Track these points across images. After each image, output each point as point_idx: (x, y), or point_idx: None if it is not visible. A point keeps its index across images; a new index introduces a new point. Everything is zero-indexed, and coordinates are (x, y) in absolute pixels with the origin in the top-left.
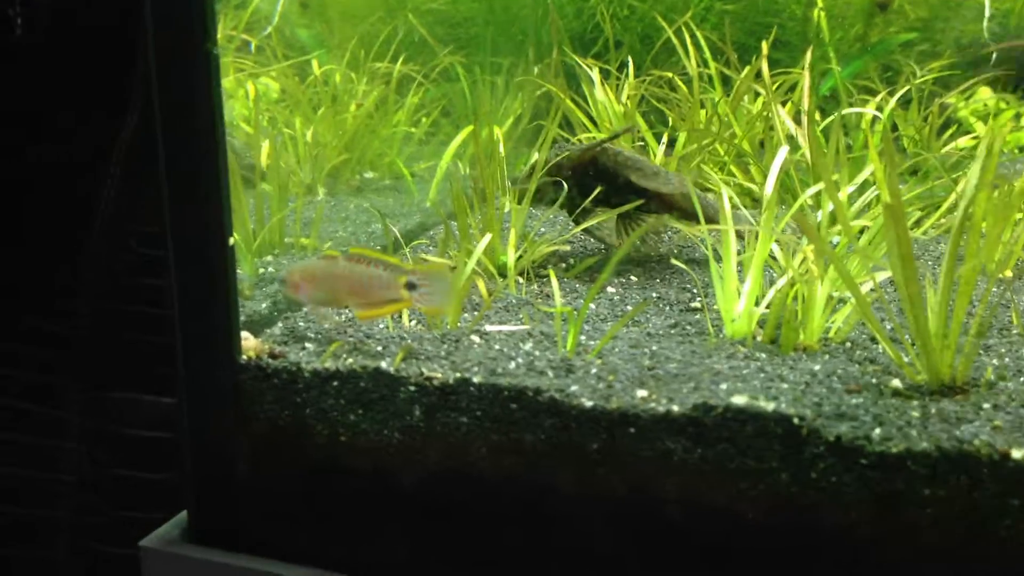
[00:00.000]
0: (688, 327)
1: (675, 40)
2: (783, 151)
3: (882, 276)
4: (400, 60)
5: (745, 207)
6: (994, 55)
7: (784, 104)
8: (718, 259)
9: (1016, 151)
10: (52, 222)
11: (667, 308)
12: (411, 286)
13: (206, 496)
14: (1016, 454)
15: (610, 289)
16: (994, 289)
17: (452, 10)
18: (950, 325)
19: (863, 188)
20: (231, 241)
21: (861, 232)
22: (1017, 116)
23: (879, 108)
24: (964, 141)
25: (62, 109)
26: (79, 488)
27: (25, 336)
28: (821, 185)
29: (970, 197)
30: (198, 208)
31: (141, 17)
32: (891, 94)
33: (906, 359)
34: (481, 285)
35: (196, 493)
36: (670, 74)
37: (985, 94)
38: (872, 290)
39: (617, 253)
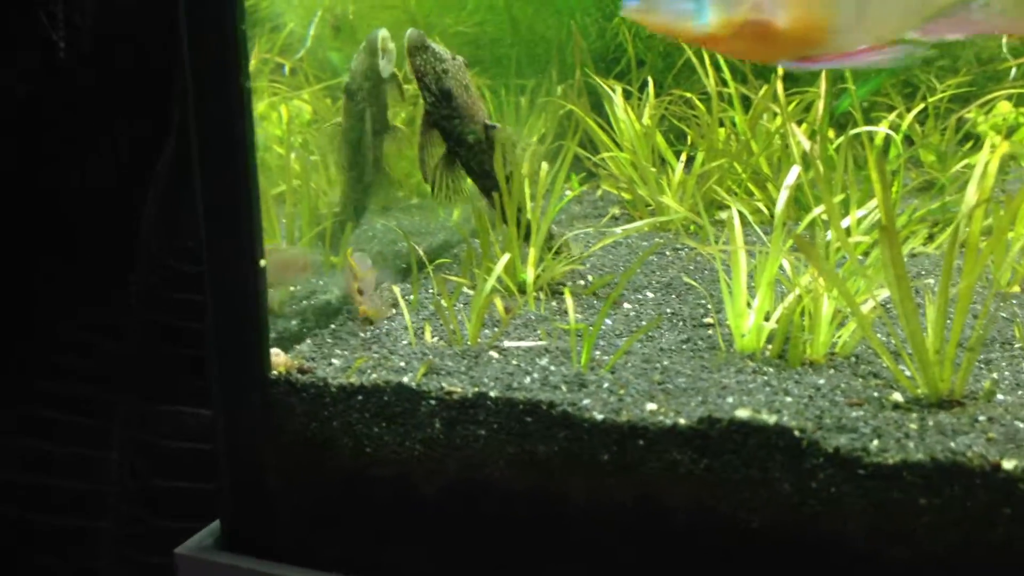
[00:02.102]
0: (700, 342)
1: (694, 60)
2: (794, 170)
3: (884, 293)
4: None
5: (760, 224)
6: (1013, 70)
7: (800, 123)
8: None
9: None
10: (98, 239)
11: (680, 324)
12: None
13: (239, 505)
14: (1007, 465)
15: (626, 305)
16: (1000, 303)
17: (479, 32)
18: (948, 340)
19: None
20: (262, 263)
21: (875, 244)
22: None
23: (895, 125)
24: (995, 156)
25: (105, 130)
26: (120, 498)
27: (70, 349)
28: (831, 203)
29: (966, 214)
30: (231, 232)
31: (179, 42)
32: (909, 110)
33: (907, 373)
34: (498, 303)
35: (229, 502)
36: (689, 93)
37: (1005, 108)
38: (878, 306)
39: (628, 271)
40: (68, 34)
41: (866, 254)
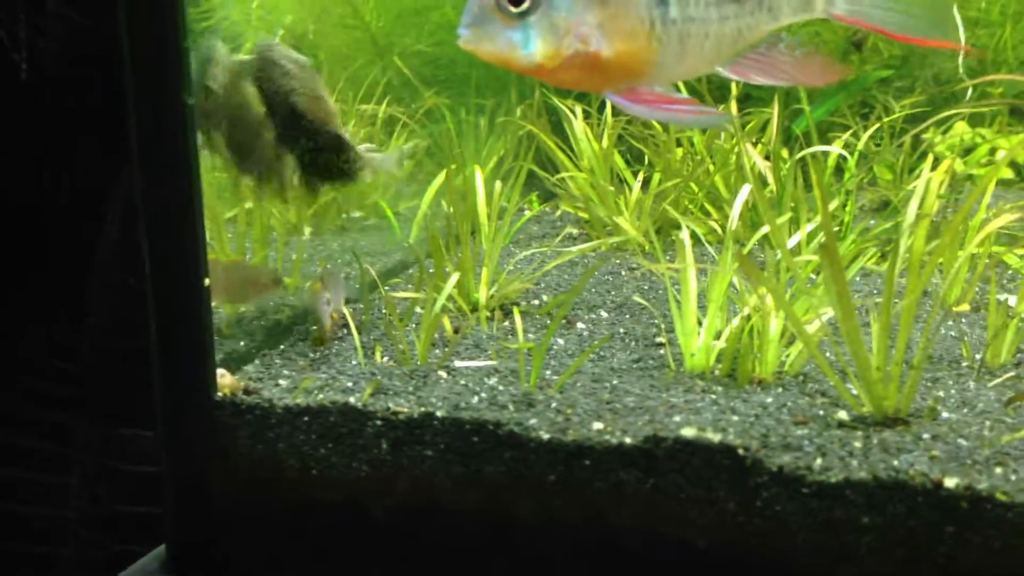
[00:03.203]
0: (651, 361)
1: None
2: (745, 190)
3: (830, 312)
4: (386, 102)
5: (715, 243)
6: (969, 91)
7: (756, 143)
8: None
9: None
10: (57, 261)
11: (632, 343)
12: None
13: (182, 528)
14: (949, 483)
15: (580, 325)
16: (950, 322)
17: (439, 52)
18: (892, 358)
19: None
20: (206, 282)
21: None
22: (992, 151)
23: (851, 144)
24: (936, 174)
25: (64, 151)
26: (81, 523)
27: (33, 373)
28: (775, 223)
29: (908, 233)
30: (174, 250)
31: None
32: (866, 129)
33: (853, 392)
34: (446, 322)
35: (173, 525)
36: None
37: (961, 128)
38: (824, 325)
39: (573, 291)
40: (29, 55)
41: (818, 272)
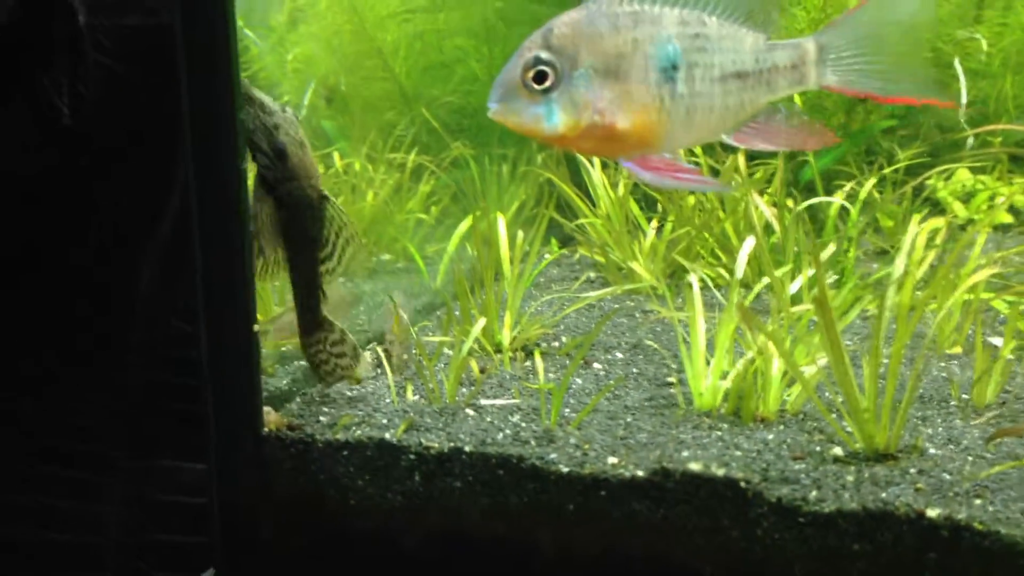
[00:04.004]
0: (662, 400)
1: None
2: (750, 240)
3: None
4: (414, 150)
5: (725, 287)
6: (971, 139)
7: (763, 193)
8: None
9: (990, 229)
10: (100, 300)
11: (645, 383)
12: None
13: (231, 555)
14: (931, 513)
15: (596, 365)
16: (943, 363)
17: (464, 102)
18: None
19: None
20: (256, 327)
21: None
22: (992, 197)
23: (855, 193)
24: (940, 221)
25: (107, 193)
26: (118, 552)
27: (74, 406)
28: (773, 274)
29: (895, 285)
30: (228, 300)
31: (180, 109)
32: (870, 177)
33: (847, 430)
34: (473, 364)
35: (222, 553)
36: None
37: (963, 176)
38: (820, 369)
39: (590, 335)
40: (72, 101)
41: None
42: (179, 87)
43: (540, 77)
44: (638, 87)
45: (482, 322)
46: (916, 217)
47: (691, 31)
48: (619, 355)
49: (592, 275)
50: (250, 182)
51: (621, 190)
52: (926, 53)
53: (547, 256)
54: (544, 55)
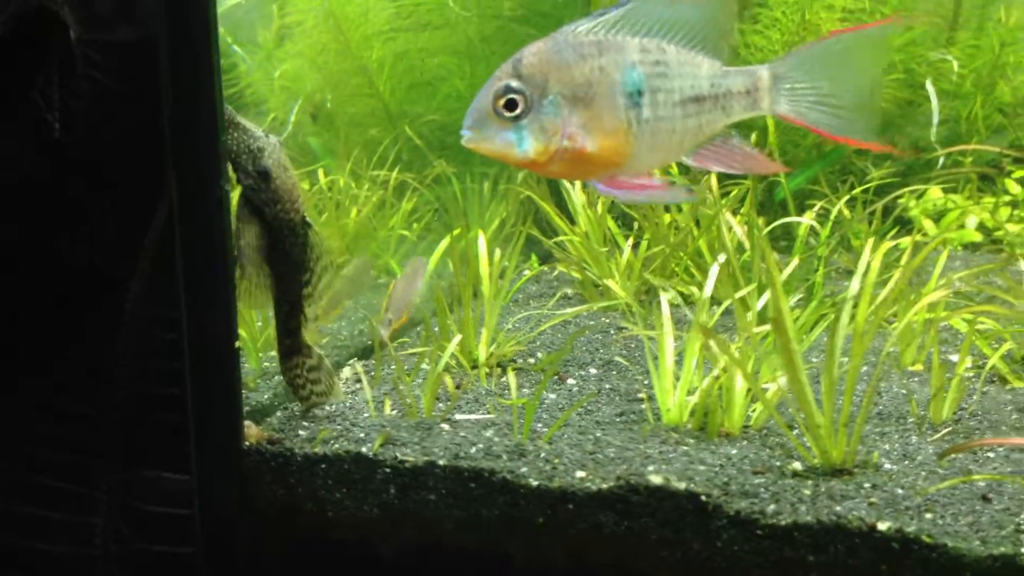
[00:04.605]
0: (632, 415)
1: None
2: (721, 258)
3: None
4: (397, 168)
5: (691, 304)
6: (941, 159)
7: (736, 212)
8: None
9: (960, 248)
10: (86, 310)
11: (617, 398)
12: None
13: (213, 565)
14: (882, 526)
15: (571, 381)
16: (904, 380)
17: (448, 119)
18: (839, 415)
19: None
20: (236, 344)
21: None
22: (962, 215)
23: (827, 211)
24: (908, 239)
25: (96, 206)
26: (106, 563)
27: (59, 417)
28: (733, 295)
29: (849, 307)
30: (209, 317)
31: (164, 126)
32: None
33: (807, 445)
34: (448, 381)
35: (206, 561)
36: None
37: (935, 194)
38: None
39: (560, 352)
40: (62, 115)
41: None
42: (164, 105)
43: (511, 105)
44: (606, 112)
45: (458, 338)
46: (870, 240)
47: (652, 58)
48: (593, 371)
49: (569, 292)
50: (233, 203)
51: (600, 208)
52: (878, 100)
53: (527, 272)
54: (514, 84)
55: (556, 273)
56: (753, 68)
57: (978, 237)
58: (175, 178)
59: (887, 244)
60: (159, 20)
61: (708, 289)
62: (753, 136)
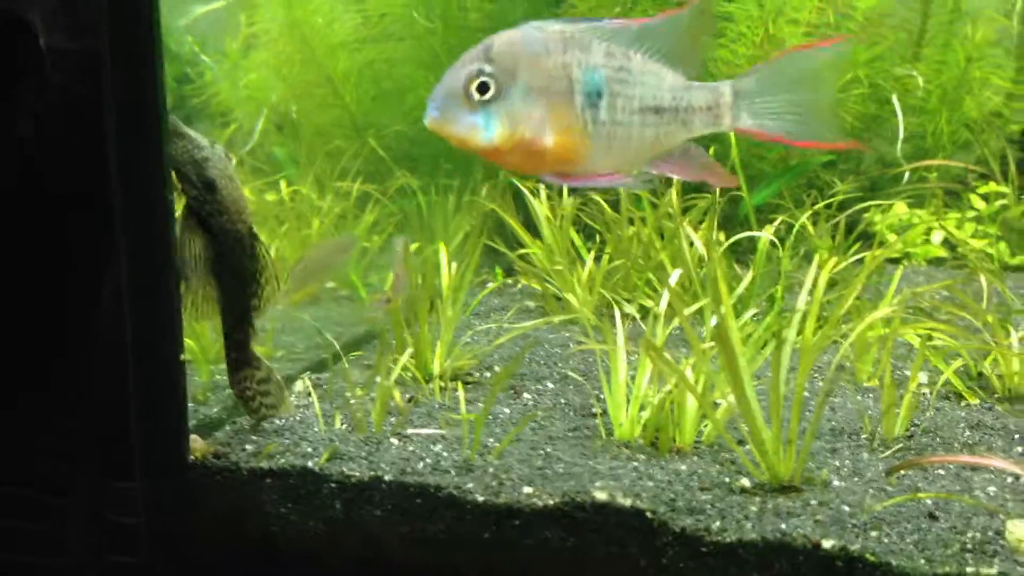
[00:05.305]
0: (586, 430)
1: None
2: (676, 272)
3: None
4: (360, 179)
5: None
6: (907, 174)
7: (698, 226)
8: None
9: (924, 263)
10: (59, 326)
11: (571, 413)
12: None
13: None
14: (826, 544)
15: (527, 395)
16: (859, 396)
17: (414, 131)
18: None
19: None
20: (182, 357)
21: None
22: (928, 231)
23: (790, 226)
24: (870, 254)
25: (63, 220)
26: (79, 572)
27: (36, 429)
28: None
29: (796, 321)
30: (156, 329)
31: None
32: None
33: (755, 461)
34: (396, 395)
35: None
36: (598, 196)
37: (900, 209)
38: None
39: (509, 367)
40: (35, 123)
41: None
42: (107, 114)
43: (483, 88)
44: (565, 108)
45: (409, 351)
46: (820, 255)
47: (616, 63)
48: (550, 385)
49: (531, 305)
50: (178, 214)
51: (561, 222)
52: (833, 100)
53: (490, 285)
54: (487, 67)
55: (520, 286)
56: (716, 84)
57: (943, 252)
58: (120, 188)
59: (836, 259)
60: (102, 28)
61: (663, 304)
62: (711, 149)
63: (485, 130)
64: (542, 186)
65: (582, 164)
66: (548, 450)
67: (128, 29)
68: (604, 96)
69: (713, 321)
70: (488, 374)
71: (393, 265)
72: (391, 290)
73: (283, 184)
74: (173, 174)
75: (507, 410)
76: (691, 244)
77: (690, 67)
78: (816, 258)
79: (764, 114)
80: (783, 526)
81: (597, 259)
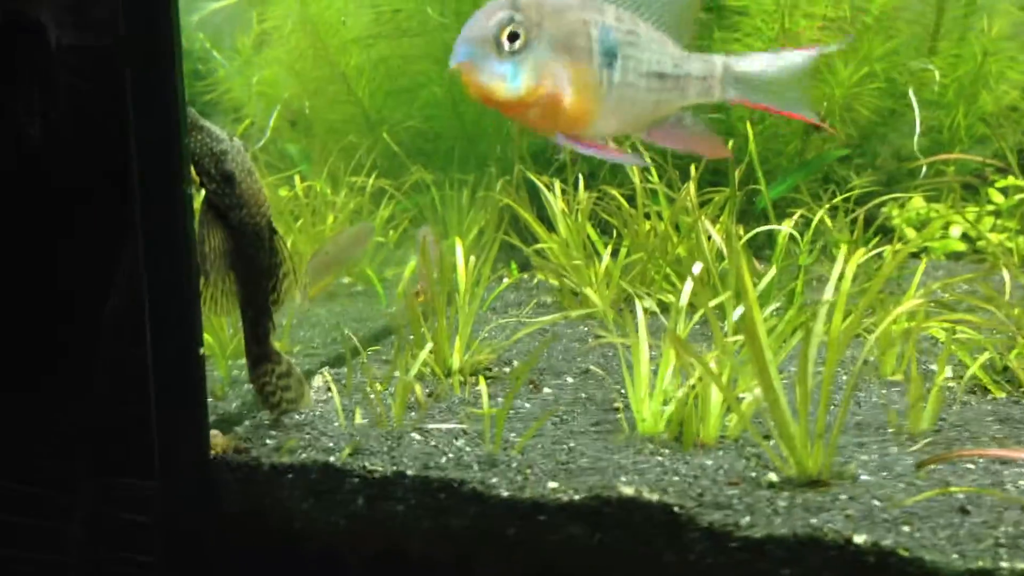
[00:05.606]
0: (608, 425)
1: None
2: (697, 266)
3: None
4: (375, 175)
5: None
6: (924, 168)
7: (716, 220)
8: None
9: (943, 257)
10: (64, 325)
11: (593, 408)
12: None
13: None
14: (858, 539)
15: (547, 390)
16: (883, 391)
17: (428, 126)
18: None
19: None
20: (201, 351)
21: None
22: (946, 225)
23: (808, 220)
24: (889, 248)
25: (65, 213)
26: (81, 570)
27: (55, 426)
28: (707, 305)
29: (823, 314)
30: (173, 323)
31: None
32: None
33: (783, 455)
34: (417, 389)
35: (165, 573)
36: (614, 190)
37: (918, 204)
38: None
39: (528, 361)
40: (43, 123)
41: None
42: (127, 108)
43: (513, 36)
44: (586, 65)
45: (429, 346)
46: (845, 247)
47: (626, 27)
48: (570, 380)
49: (548, 300)
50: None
51: (579, 216)
52: (809, 84)
53: (506, 280)
54: (517, 16)
55: (536, 281)
56: (710, 56)
57: (962, 247)
58: (139, 183)
59: (862, 251)
60: (120, 23)
61: (684, 298)
62: (730, 143)
63: (512, 81)
64: (556, 181)
65: (592, 125)
66: (571, 445)
67: (147, 24)
68: (618, 57)
69: (736, 314)
70: (507, 369)
71: (418, 255)
72: (419, 283)
73: (297, 179)
74: (192, 168)
75: (527, 405)
76: (709, 238)
77: (683, 39)
78: (842, 250)
79: (747, 87)
80: (813, 521)
81: (613, 254)
